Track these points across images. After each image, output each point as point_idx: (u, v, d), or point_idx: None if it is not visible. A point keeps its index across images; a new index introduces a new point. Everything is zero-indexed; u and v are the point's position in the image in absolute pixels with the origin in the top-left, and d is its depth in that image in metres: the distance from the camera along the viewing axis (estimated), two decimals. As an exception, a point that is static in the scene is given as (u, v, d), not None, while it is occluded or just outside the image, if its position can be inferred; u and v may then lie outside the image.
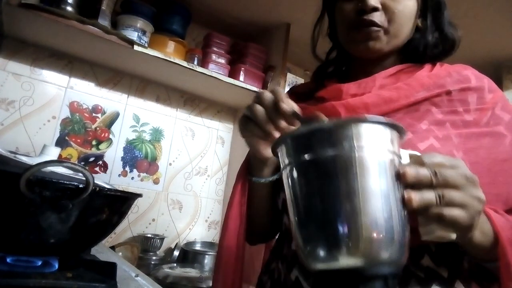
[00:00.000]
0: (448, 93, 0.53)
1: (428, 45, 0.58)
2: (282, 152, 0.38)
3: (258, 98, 0.47)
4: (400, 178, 0.34)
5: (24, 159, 0.63)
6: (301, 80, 1.83)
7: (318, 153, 0.34)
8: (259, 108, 0.46)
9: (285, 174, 0.37)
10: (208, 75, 1.41)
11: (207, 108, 1.75)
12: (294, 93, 0.69)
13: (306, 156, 0.34)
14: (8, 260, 0.55)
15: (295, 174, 0.35)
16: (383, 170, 0.33)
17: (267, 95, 0.46)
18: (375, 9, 0.54)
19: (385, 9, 0.55)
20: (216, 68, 1.47)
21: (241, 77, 1.51)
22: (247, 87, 1.50)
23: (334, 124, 0.34)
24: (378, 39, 0.55)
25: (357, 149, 0.33)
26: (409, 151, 0.36)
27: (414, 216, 0.35)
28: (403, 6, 0.55)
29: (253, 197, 0.57)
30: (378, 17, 0.54)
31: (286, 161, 0.37)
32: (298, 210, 0.35)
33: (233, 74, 1.51)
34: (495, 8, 1.30)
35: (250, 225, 0.57)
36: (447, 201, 0.34)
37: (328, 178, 0.33)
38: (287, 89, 1.70)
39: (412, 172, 0.34)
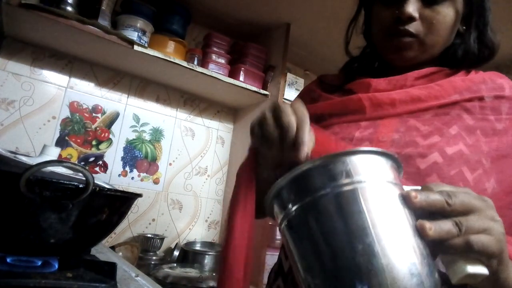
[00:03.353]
0: (481, 99, 0.51)
1: (469, 51, 0.56)
2: (277, 205, 0.34)
3: (279, 118, 0.42)
4: (409, 205, 0.30)
5: (24, 159, 0.63)
6: (301, 80, 1.83)
7: (315, 194, 0.30)
8: (271, 130, 0.42)
9: (284, 228, 0.33)
10: (208, 75, 1.41)
11: (207, 108, 1.75)
12: (322, 83, 0.67)
13: (304, 201, 0.31)
14: (8, 260, 0.55)
15: (294, 224, 0.32)
16: (391, 201, 0.30)
17: (291, 121, 0.41)
18: (412, 19, 0.52)
19: (423, 19, 0.52)
20: (216, 68, 1.47)
21: (241, 77, 1.51)
22: (247, 87, 1.50)
23: (326, 160, 0.31)
24: (411, 49, 0.53)
25: (357, 183, 0.30)
26: (411, 187, 0.33)
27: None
28: (443, 16, 0.52)
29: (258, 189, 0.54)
30: (414, 26, 0.52)
31: (283, 214, 0.33)
32: (303, 265, 0.30)
33: (233, 74, 1.51)
34: (494, 8, 1.30)
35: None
36: (468, 228, 0.31)
37: (333, 220, 0.29)
38: (287, 89, 1.70)
39: (422, 196, 0.31)
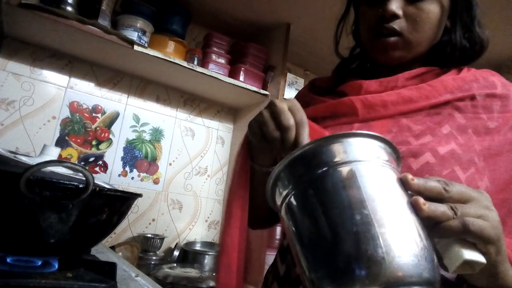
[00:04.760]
0: (473, 98, 0.51)
1: (456, 48, 0.56)
2: (278, 189, 0.35)
3: (279, 116, 0.43)
4: (406, 187, 0.31)
5: (24, 159, 0.63)
6: (301, 80, 1.83)
7: (314, 173, 0.31)
8: (271, 131, 0.43)
9: (284, 210, 0.34)
10: (208, 75, 1.41)
11: (207, 108, 1.75)
12: (314, 86, 0.67)
13: (303, 180, 0.32)
14: (8, 260, 0.55)
15: (294, 203, 0.32)
16: (388, 180, 0.31)
17: (291, 123, 0.42)
18: (395, 16, 0.52)
19: (407, 16, 0.52)
20: (216, 68, 1.47)
21: (241, 77, 1.51)
22: (247, 87, 1.50)
23: (325, 141, 0.32)
24: (397, 49, 0.54)
25: (355, 161, 0.31)
26: None
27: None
28: (426, 13, 0.52)
29: (256, 184, 0.53)
30: (398, 24, 0.52)
31: (283, 195, 0.34)
32: (303, 242, 0.31)
33: (233, 74, 1.51)
34: (494, 8, 1.30)
35: (251, 209, 0.55)
36: (463, 213, 0.31)
37: (331, 195, 0.30)
38: (287, 89, 1.70)
39: (419, 180, 0.31)
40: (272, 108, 0.44)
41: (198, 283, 1.18)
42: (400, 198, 0.30)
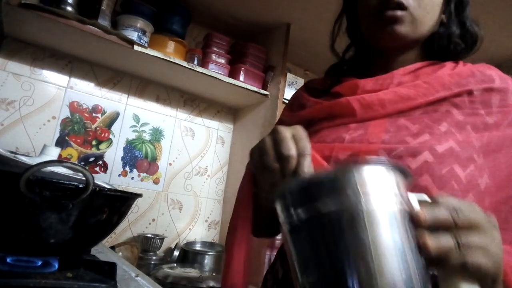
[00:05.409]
0: (470, 93, 0.51)
1: (452, 39, 0.57)
2: (280, 205, 0.34)
3: (284, 151, 0.41)
4: (414, 223, 0.30)
5: (24, 159, 0.63)
6: (301, 80, 1.83)
7: (319, 208, 0.30)
8: (271, 161, 0.42)
9: (285, 230, 0.33)
10: (208, 75, 1.41)
11: (207, 108, 1.75)
12: (309, 88, 0.67)
13: (309, 214, 0.31)
14: (8, 260, 0.55)
15: (295, 232, 0.32)
16: (395, 218, 0.30)
17: (292, 153, 0.41)
18: None
19: None
20: (216, 68, 1.47)
21: (241, 77, 1.51)
22: (247, 87, 1.50)
23: (332, 175, 0.31)
24: (402, 22, 0.53)
25: (362, 198, 0.29)
26: (417, 195, 0.32)
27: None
28: None
29: (259, 209, 0.52)
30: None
31: (285, 216, 0.33)
32: (301, 272, 0.31)
33: (233, 74, 1.51)
34: (495, 8, 1.30)
35: (255, 222, 0.55)
36: (466, 244, 0.31)
37: (333, 235, 0.29)
38: (287, 89, 1.70)
39: (430, 215, 0.31)
40: (274, 135, 0.43)
41: (198, 283, 1.18)
42: (406, 238, 0.29)
